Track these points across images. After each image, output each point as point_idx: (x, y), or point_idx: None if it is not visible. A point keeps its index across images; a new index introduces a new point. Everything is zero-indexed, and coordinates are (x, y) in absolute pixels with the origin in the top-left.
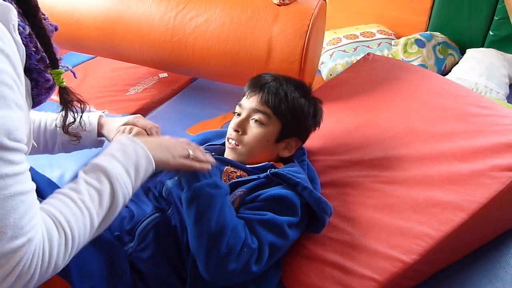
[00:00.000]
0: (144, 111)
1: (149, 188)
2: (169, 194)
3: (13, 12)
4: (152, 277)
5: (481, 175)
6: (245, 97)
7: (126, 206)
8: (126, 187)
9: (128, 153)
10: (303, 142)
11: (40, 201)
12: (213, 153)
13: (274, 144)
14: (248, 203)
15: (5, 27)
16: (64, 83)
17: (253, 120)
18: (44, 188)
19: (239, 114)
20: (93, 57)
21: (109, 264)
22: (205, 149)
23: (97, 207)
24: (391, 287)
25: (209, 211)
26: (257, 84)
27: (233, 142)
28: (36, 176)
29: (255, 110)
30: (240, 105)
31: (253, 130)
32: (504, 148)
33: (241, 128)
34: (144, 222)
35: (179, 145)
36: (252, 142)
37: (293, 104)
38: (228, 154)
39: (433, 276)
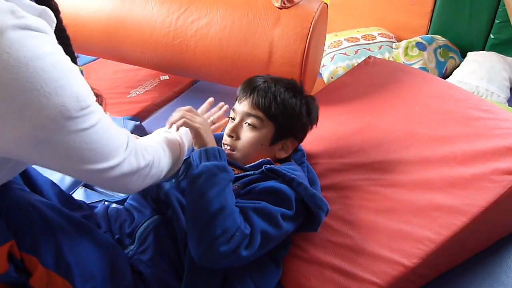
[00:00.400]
0: (145, 113)
1: (147, 191)
2: (166, 196)
3: (52, 16)
4: (153, 279)
5: (482, 178)
6: (237, 101)
7: (126, 210)
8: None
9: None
10: (300, 141)
11: (44, 202)
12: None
13: (269, 146)
14: (243, 195)
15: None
16: None
17: (246, 124)
18: (47, 190)
19: (233, 119)
20: (95, 59)
21: (111, 266)
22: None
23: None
24: None
25: (212, 190)
26: (248, 88)
27: (228, 147)
28: (39, 176)
29: (248, 114)
30: (233, 110)
31: (247, 134)
32: (505, 151)
33: (235, 133)
34: (144, 224)
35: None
36: (247, 147)
37: (284, 105)
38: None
39: (434, 280)
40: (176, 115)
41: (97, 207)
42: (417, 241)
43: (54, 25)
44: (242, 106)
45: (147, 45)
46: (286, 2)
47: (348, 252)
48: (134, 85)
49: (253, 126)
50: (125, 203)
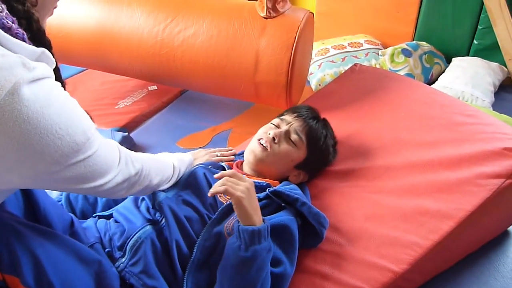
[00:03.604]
0: (133, 124)
1: (143, 199)
2: (160, 206)
3: (51, 57)
4: None
5: (467, 183)
6: (289, 115)
7: (116, 221)
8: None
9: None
10: (308, 180)
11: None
12: (209, 166)
13: (293, 168)
14: None
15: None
16: None
17: (289, 138)
18: (50, 210)
19: (277, 126)
20: (82, 70)
21: (97, 282)
22: (203, 164)
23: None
24: None
25: (259, 274)
26: (307, 113)
27: (266, 144)
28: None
29: (296, 132)
30: (282, 119)
31: (286, 145)
32: (490, 155)
33: (280, 139)
34: (135, 236)
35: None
36: (282, 154)
37: (326, 146)
38: (250, 156)
39: (423, 285)
40: (219, 183)
41: (85, 221)
42: (405, 246)
43: (54, 66)
44: (294, 122)
45: (134, 56)
46: (271, 11)
47: (337, 259)
48: (122, 96)
49: (294, 144)
50: (114, 213)
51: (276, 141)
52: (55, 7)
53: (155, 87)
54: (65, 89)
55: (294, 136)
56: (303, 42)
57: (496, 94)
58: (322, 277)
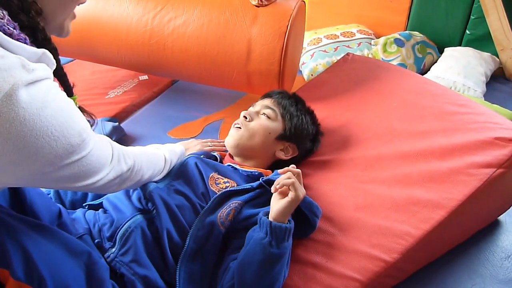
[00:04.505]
0: (124, 114)
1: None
2: (150, 195)
3: (51, 59)
4: (136, 281)
5: (459, 172)
6: (260, 99)
7: (105, 212)
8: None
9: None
10: (300, 155)
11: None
12: (202, 156)
13: (274, 140)
14: (247, 218)
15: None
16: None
17: (263, 114)
18: (36, 200)
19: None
20: (72, 60)
21: (87, 275)
22: (195, 154)
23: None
24: (373, 287)
25: (282, 268)
26: (276, 92)
27: (238, 125)
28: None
29: (267, 107)
30: (253, 105)
31: (260, 120)
32: (481, 145)
33: (250, 116)
34: (125, 225)
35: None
36: (256, 129)
37: (301, 113)
38: (228, 140)
39: (415, 274)
40: (284, 176)
41: (74, 212)
42: (397, 236)
43: (54, 67)
44: (264, 101)
45: (123, 45)
46: (263, 0)
47: (329, 249)
48: (112, 86)
49: (267, 117)
50: (104, 201)
51: (248, 119)
52: (81, 2)
53: (146, 77)
54: (72, 90)
55: (266, 110)
56: (295, 31)
57: (488, 84)
58: (314, 267)
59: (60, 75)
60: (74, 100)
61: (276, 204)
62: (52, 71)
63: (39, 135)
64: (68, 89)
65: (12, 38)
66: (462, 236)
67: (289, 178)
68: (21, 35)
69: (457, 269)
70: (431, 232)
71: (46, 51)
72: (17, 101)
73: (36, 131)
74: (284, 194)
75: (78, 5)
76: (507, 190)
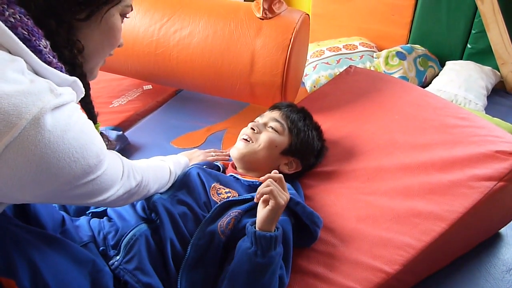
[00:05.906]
0: (128, 123)
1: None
2: (154, 205)
3: (81, 87)
4: None
5: (460, 185)
6: (268, 110)
7: (110, 220)
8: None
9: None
10: (303, 169)
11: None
12: (204, 166)
13: (279, 154)
14: (242, 229)
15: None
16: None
17: (270, 127)
18: (39, 208)
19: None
20: None
21: (92, 282)
22: (198, 164)
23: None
24: None
25: (272, 278)
26: (284, 105)
27: (247, 137)
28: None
29: (275, 120)
30: (261, 116)
31: (268, 133)
32: (482, 158)
33: (258, 128)
34: (130, 233)
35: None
36: (264, 142)
37: (308, 128)
38: (234, 152)
39: (416, 286)
40: (264, 184)
41: (78, 219)
42: (398, 247)
43: (82, 96)
44: (271, 114)
45: (130, 54)
46: (267, 12)
47: (330, 260)
48: (117, 95)
49: (275, 130)
50: (108, 209)
51: (256, 131)
52: (111, 54)
53: (150, 87)
54: (97, 118)
55: (273, 123)
56: (299, 43)
57: (489, 97)
58: (315, 277)
59: (86, 102)
60: (97, 128)
61: (260, 213)
62: (80, 99)
63: (61, 157)
64: (93, 118)
65: (51, 66)
66: (463, 249)
67: (268, 186)
68: (59, 64)
69: (458, 282)
70: (432, 244)
71: (77, 79)
72: (44, 124)
73: (59, 153)
74: (267, 202)
75: (110, 55)
76: (508, 203)
